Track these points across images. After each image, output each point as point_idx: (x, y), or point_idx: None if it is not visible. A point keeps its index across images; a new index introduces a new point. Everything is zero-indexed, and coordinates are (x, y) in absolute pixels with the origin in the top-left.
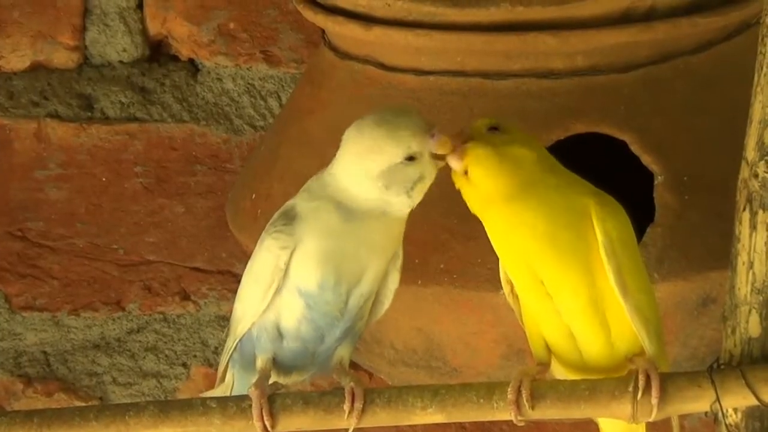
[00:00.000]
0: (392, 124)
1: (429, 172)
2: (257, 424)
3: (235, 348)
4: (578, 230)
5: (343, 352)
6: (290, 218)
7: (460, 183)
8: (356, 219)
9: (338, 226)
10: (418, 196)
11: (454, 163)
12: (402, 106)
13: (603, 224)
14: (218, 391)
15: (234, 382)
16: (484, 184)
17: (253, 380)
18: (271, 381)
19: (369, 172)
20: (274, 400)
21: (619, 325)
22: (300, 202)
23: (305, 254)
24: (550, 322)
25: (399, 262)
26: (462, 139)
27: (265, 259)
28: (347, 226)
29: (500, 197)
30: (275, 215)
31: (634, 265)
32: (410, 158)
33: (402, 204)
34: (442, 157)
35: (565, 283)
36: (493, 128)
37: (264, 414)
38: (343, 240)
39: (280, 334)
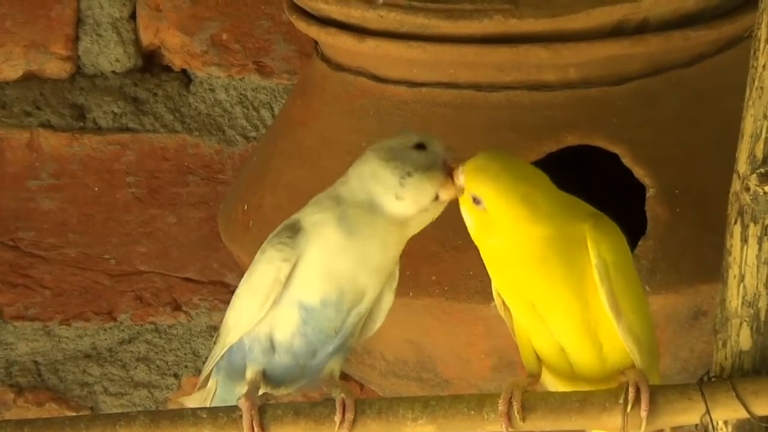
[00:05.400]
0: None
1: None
2: None
3: (223, 356)
4: (572, 255)
5: (334, 365)
6: (295, 231)
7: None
8: (357, 237)
9: (340, 243)
10: (409, 195)
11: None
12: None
13: (597, 247)
14: (197, 396)
15: (217, 388)
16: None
17: (237, 389)
18: (260, 392)
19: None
20: (265, 411)
21: (611, 342)
22: (305, 216)
23: (308, 268)
24: (542, 338)
25: (394, 284)
26: (452, 194)
27: (265, 270)
28: (348, 244)
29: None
30: (280, 227)
31: (628, 287)
32: (421, 146)
33: (391, 190)
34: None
35: (557, 308)
36: (476, 200)
37: (255, 425)
38: (344, 257)
39: (272, 347)
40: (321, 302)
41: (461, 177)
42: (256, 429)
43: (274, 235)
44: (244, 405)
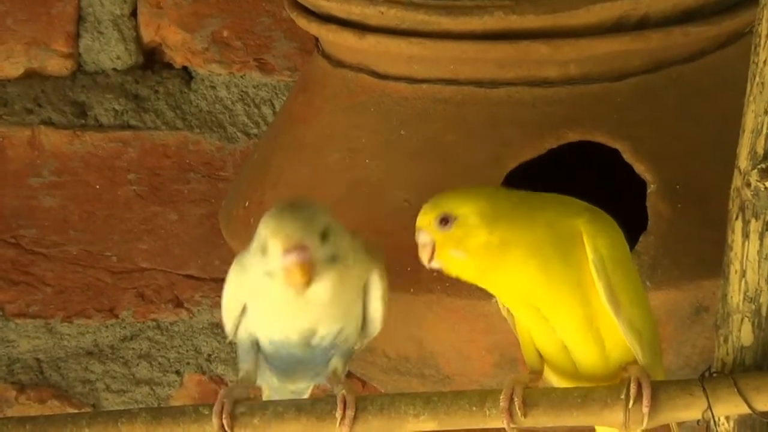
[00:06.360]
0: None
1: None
2: (215, 421)
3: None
4: (569, 253)
5: (337, 363)
6: (245, 270)
7: None
8: (287, 296)
9: (273, 299)
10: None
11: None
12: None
13: (593, 242)
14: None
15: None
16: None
17: (289, 387)
18: (276, 387)
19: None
20: (267, 407)
21: (613, 338)
22: (248, 265)
23: (253, 313)
24: (544, 336)
25: (379, 292)
26: (427, 250)
27: (226, 303)
28: (282, 301)
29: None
30: (236, 258)
31: (626, 280)
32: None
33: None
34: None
35: (559, 308)
36: (444, 220)
37: (224, 414)
38: (281, 312)
39: (260, 350)
40: (269, 342)
41: (423, 231)
42: (224, 416)
43: (236, 262)
44: (221, 393)
